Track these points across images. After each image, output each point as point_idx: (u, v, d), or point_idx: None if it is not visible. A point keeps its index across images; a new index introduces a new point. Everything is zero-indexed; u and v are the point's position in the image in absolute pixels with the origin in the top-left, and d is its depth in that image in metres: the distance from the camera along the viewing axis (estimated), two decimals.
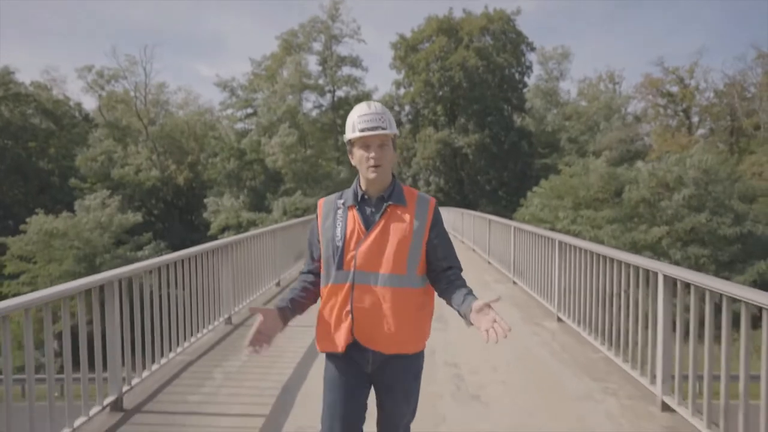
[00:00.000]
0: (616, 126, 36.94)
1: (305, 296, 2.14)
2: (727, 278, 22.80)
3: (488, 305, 1.80)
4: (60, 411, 3.23)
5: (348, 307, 2.00)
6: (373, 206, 2.06)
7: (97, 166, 37.12)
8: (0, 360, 2.74)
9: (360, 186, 2.08)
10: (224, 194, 34.65)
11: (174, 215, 40.74)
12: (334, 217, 2.07)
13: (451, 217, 18.77)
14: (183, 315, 4.79)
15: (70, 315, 3.26)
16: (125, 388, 3.94)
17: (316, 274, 2.14)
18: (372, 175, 2.00)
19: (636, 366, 4.04)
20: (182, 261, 4.84)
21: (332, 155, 39.06)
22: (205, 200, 34.99)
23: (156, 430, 3.56)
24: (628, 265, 4.10)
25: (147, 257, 28.66)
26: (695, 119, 49.24)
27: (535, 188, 27.95)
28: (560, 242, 5.73)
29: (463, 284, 2.08)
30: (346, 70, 41.44)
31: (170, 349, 4.60)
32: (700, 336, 3.23)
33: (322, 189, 35.50)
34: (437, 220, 2.12)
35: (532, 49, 41.78)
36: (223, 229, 33.28)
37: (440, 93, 37.89)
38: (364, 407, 2.13)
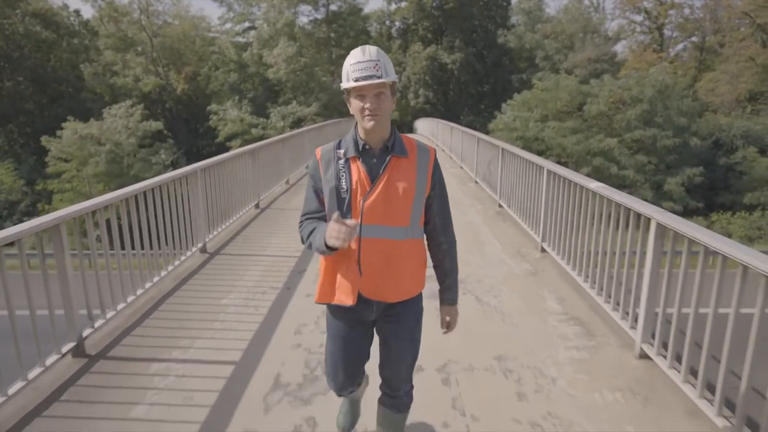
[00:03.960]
0: (588, 45, 38.93)
1: None
2: (663, 180, 26.61)
3: (447, 317, 2.11)
4: (11, 361, 2.75)
5: (357, 262, 1.92)
6: (376, 157, 1.91)
7: (102, 77, 38.56)
8: None
9: (359, 136, 1.93)
10: (227, 105, 36.75)
11: (180, 124, 42.87)
12: (336, 167, 1.92)
13: (440, 131, 19.14)
14: (157, 245, 4.42)
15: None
16: (87, 331, 3.45)
17: (325, 216, 1.99)
18: (369, 125, 1.85)
19: (618, 311, 3.64)
20: (152, 190, 4.38)
21: (327, 68, 40.71)
22: (209, 108, 37.01)
23: (115, 384, 3.06)
24: (619, 206, 3.67)
25: (164, 160, 31.65)
26: (673, 36, 50.89)
27: (509, 101, 30.65)
28: (548, 171, 5.19)
29: (452, 269, 2.10)
30: None
31: (140, 285, 4.14)
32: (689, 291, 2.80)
33: (316, 99, 37.73)
34: (437, 172, 2.02)
35: None
36: (231, 137, 35.93)
37: (430, 10, 39.08)
38: (367, 354, 2.14)
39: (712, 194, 29.75)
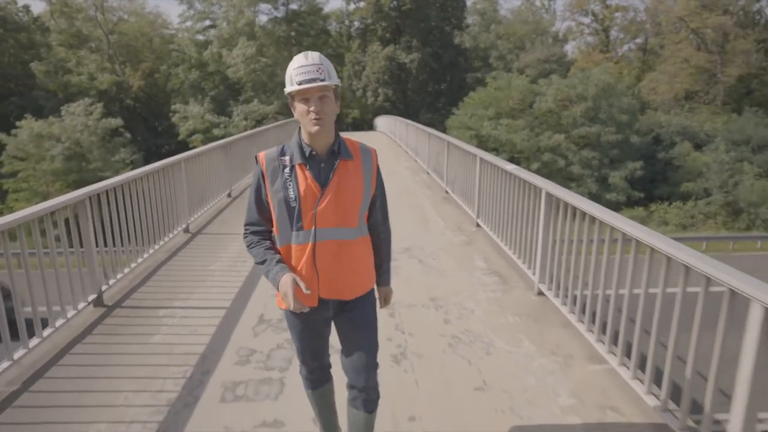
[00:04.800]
0: (538, 46, 40.94)
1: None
2: (607, 174, 28.56)
3: (384, 296, 2.29)
4: (44, 314, 3.40)
5: (313, 266, 1.95)
6: (324, 162, 1.93)
7: (55, 75, 37.87)
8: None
9: (304, 141, 1.94)
10: (189, 102, 36.85)
11: (138, 123, 42.48)
12: (282, 176, 1.93)
13: (397, 127, 19.80)
14: (148, 224, 5.11)
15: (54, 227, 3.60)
16: (104, 286, 4.25)
17: (270, 233, 2.05)
18: (314, 128, 1.86)
19: (523, 260, 4.69)
20: (146, 176, 5.12)
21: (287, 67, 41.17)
22: (173, 107, 37.03)
23: (134, 322, 3.89)
24: (524, 182, 4.58)
25: (124, 159, 31.59)
26: (619, 37, 53.70)
27: (464, 99, 32.06)
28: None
29: (387, 257, 2.26)
30: None
31: (139, 255, 4.91)
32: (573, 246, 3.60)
33: (277, 98, 38.24)
34: (379, 171, 2.09)
35: None
36: (192, 134, 36.04)
37: (388, 11, 40.19)
38: (328, 340, 2.25)
39: (652, 186, 31.97)
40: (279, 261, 1.96)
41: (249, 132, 11.53)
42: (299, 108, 1.89)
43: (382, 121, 27.57)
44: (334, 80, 1.90)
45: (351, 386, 2.16)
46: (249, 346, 3.57)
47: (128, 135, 32.93)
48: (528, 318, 4.00)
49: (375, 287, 2.22)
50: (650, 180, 32.00)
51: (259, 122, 34.39)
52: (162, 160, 5.89)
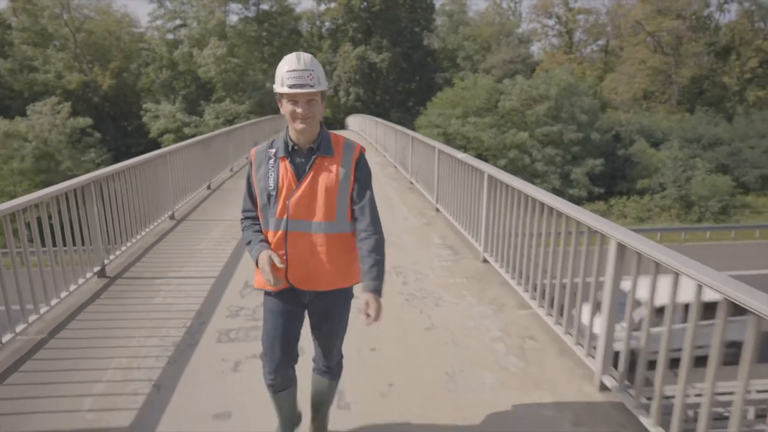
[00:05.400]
0: (504, 47, 42.27)
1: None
2: (570, 170, 29.95)
3: (367, 304, 1.98)
4: (59, 278, 3.94)
5: (282, 253, 2.06)
6: (303, 157, 2.04)
7: (20, 74, 37.28)
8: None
9: (290, 136, 2.06)
10: (160, 102, 36.81)
11: (107, 122, 42.06)
12: (267, 166, 2.07)
13: (368, 126, 20.65)
14: (139, 209, 5.63)
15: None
16: (107, 260, 4.77)
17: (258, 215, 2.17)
18: (300, 127, 1.98)
19: (472, 234, 5.45)
20: (138, 166, 5.67)
21: (259, 67, 41.51)
22: (144, 106, 36.92)
23: (135, 288, 4.45)
24: (472, 167, 5.31)
25: (94, 158, 31.42)
26: (583, 39, 55.64)
27: (433, 99, 32.99)
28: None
29: (373, 263, 2.05)
30: None
31: (135, 233, 5.49)
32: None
33: (249, 98, 38.52)
34: (361, 168, 2.11)
35: None
36: (163, 133, 36.00)
37: (358, 12, 40.88)
38: (300, 331, 2.25)
39: (612, 182, 33.55)
40: (261, 241, 2.11)
41: (226, 129, 12.12)
42: (287, 107, 1.99)
43: (353, 121, 28.22)
44: (323, 86, 2.01)
45: (317, 363, 2.38)
46: (237, 305, 4.23)
47: (98, 135, 32.76)
48: (473, 279, 4.76)
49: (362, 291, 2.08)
50: (611, 176, 33.57)
51: (230, 121, 34.57)
52: (133, 158, 6.10)
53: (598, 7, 67.33)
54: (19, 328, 3.48)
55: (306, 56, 1.99)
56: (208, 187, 9.32)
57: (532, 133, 30.20)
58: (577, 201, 27.59)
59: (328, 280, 2.14)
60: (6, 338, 3.36)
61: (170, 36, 42.25)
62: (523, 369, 3.23)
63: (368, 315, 2.02)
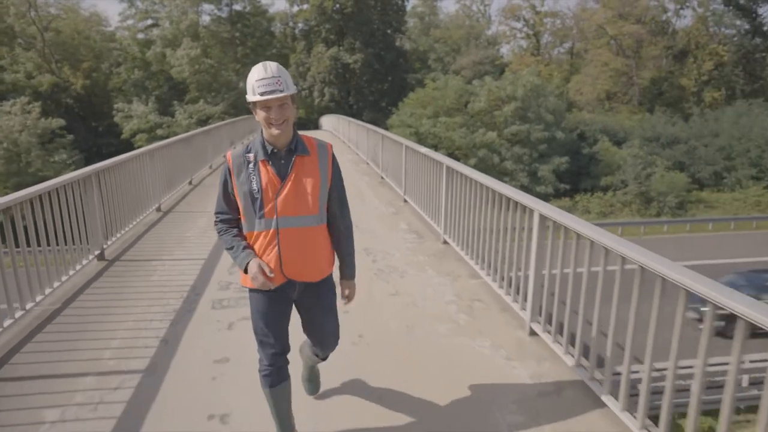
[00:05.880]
0: (473, 49, 43.40)
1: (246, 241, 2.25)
2: (537, 168, 31.03)
3: (346, 290, 2.45)
4: (65, 260, 4.36)
5: (276, 250, 2.17)
6: (283, 158, 2.17)
7: None
8: None
9: (266, 140, 2.18)
10: (132, 102, 36.58)
11: (77, 122, 41.49)
12: (247, 171, 2.17)
13: (341, 125, 21.32)
14: (130, 200, 6.17)
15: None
16: (105, 245, 5.28)
17: (238, 221, 2.28)
18: (276, 132, 2.10)
19: (434, 220, 6.15)
20: (129, 160, 6.21)
21: (233, 67, 41.62)
22: (115, 106, 36.62)
23: (133, 269, 4.97)
24: (433, 160, 6.01)
25: (65, 159, 31.12)
26: (550, 41, 57.29)
27: (405, 99, 33.75)
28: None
29: (349, 250, 2.43)
30: None
31: (128, 222, 5.99)
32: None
33: (223, 99, 38.62)
34: (335, 165, 2.30)
35: None
36: (135, 133, 35.80)
37: (331, 14, 41.39)
38: (288, 327, 2.38)
39: (578, 179, 34.83)
40: (245, 248, 2.22)
41: (206, 128, 12.65)
42: (261, 114, 2.12)
43: (326, 120, 28.74)
44: (291, 89, 2.14)
45: (312, 348, 2.63)
46: (227, 280, 4.81)
47: (71, 136, 32.41)
48: (434, 257, 5.45)
49: (339, 280, 2.45)
50: (576, 173, 34.87)
51: (203, 122, 34.61)
52: (106, 159, 6.12)
53: (565, 10, 69.31)
54: (38, 298, 4.00)
55: (272, 64, 2.14)
56: (190, 183, 9.80)
57: (501, 132, 31.20)
58: (545, 197, 28.67)
59: (319, 268, 2.33)
60: (29, 305, 3.88)
61: (141, 36, 41.92)
62: (470, 322, 3.92)
63: (349, 298, 2.50)
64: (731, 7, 42.21)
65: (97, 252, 5.19)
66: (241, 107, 37.49)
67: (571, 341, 3.20)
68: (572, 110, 40.27)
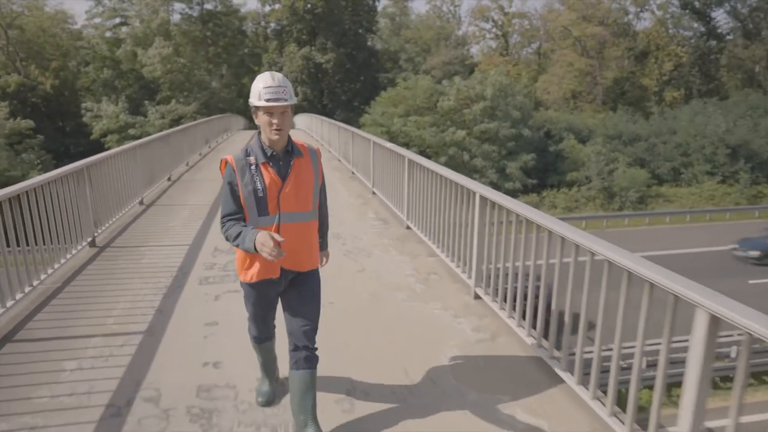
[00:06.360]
0: (443, 50, 44.36)
1: None
2: (506, 165, 32.04)
3: (324, 258, 2.86)
4: (60, 246, 4.78)
5: (277, 243, 2.25)
6: (281, 160, 2.39)
7: None
8: None
9: (265, 144, 2.39)
10: (102, 101, 36.22)
11: (44, 122, 40.78)
12: (250, 173, 2.37)
13: (314, 124, 21.91)
14: (117, 193, 6.62)
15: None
16: (96, 232, 5.75)
17: (242, 218, 2.44)
18: (275, 137, 2.33)
19: (398, 208, 6.80)
20: (114, 156, 6.63)
21: (205, 67, 41.53)
22: (83, 105, 36.19)
23: (124, 254, 5.45)
24: (395, 153, 6.71)
25: (33, 159, 30.75)
26: (518, 41, 58.72)
27: (377, 98, 34.39)
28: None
29: (326, 229, 2.83)
30: None
31: (115, 213, 6.48)
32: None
33: (195, 99, 38.56)
34: (321, 165, 2.59)
35: None
36: (106, 134, 35.49)
37: (302, 14, 41.73)
38: (275, 312, 2.73)
39: (545, 175, 36.05)
40: (252, 228, 2.37)
41: (183, 126, 13.15)
42: (263, 119, 2.34)
43: (300, 120, 29.11)
44: (293, 100, 2.39)
45: (296, 348, 2.54)
46: (211, 261, 5.35)
47: (41, 136, 31.95)
48: (398, 240, 6.09)
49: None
50: (543, 170, 36.10)
51: (176, 122, 34.54)
52: (74, 160, 6.30)
53: (533, 11, 71.07)
54: (42, 277, 4.49)
55: (278, 75, 2.39)
56: (169, 179, 10.23)
57: (471, 130, 32.11)
58: (513, 194, 29.67)
59: (312, 259, 2.60)
60: (35, 282, 4.37)
61: (110, 34, 41.45)
62: (425, 290, 4.57)
63: (322, 264, 2.85)
64: (688, 11, 44.20)
65: (89, 239, 5.66)
66: (213, 107, 37.51)
67: (509, 303, 3.87)
68: (539, 109, 41.55)
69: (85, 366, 3.30)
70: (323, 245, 2.86)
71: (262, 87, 2.34)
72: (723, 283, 6.51)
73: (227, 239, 2.47)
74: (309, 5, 41.55)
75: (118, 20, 40.68)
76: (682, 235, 26.20)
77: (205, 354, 3.46)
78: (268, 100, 2.31)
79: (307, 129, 23.52)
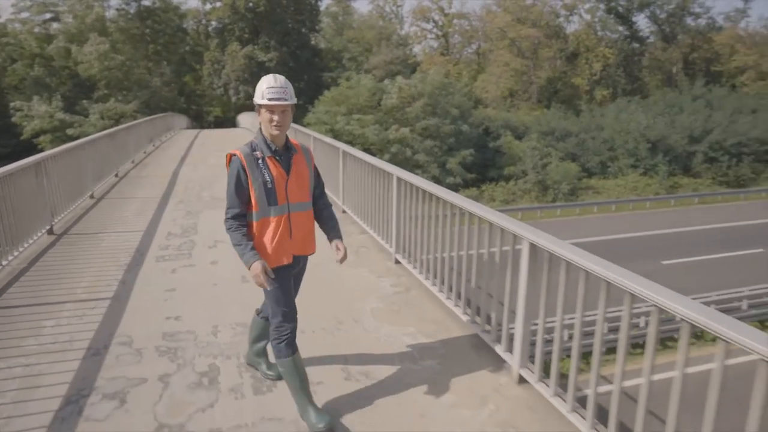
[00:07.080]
0: (384, 49, 45.44)
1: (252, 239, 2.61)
2: (446, 160, 33.30)
3: (338, 248, 2.83)
4: (16, 236, 5.08)
5: (288, 230, 2.61)
6: (283, 155, 2.62)
7: None
8: None
9: (267, 140, 2.60)
10: (33, 100, 34.82)
11: None
12: (258, 166, 2.57)
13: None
14: (68, 186, 6.95)
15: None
16: (54, 220, 6.23)
17: (244, 215, 2.61)
18: (276, 133, 2.55)
19: (335, 194, 7.42)
20: (66, 152, 7.50)
21: (144, 65, 40.62)
22: (12, 104, 34.68)
23: (83, 240, 5.91)
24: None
25: None
26: (459, 42, 60.62)
27: (320, 97, 34.96)
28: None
29: (331, 215, 2.96)
30: None
31: (68, 205, 6.87)
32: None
33: (135, 97, 37.67)
34: (314, 160, 2.85)
35: None
36: (38, 134, 34.14)
37: (244, 12, 41.60)
38: None
39: (485, 170, 37.74)
40: (252, 248, 2.57)
41: (128, 124, 13.47)
42: (265, 116, 2.57)
43: (244, 118, 29.33)
44: (293, 100, 2.61)
45: (288, 327, 2.72)
46: (165, 243, 5.97)
47: None
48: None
49: (334, 241, 2.88)
50: (483, 165, 37.81)
51: (116, 121, 33.73)
52: (2, 161, 6.81)
53: (472, 13, 73.51)
54: (10, 258, 5.00)
55: (280, 77, 2.62)
56: (116, 176, 10.58)
57: (414, 128, 33.25)
58: (454, 188, 31.06)
59: (313, 245, 2.85)
60: (5, 262, 4.88)
61: (39, 30, 39.78)
62: (355, 260, 5.41)
63: (344, 255, 2.84)
64: (612, 15, 47.35)
65: (47, 227, 6.13)
66: (155, 106, 36.82)
67: (425, 266, 4.77)
68: (479, 107, 43.35)
69: (62, 323, 3.91)
70: (338, 234, 2.95)
71: (266, 87, 2.59)
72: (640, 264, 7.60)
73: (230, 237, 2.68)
74: (250, 4, 41.46)
75: (48, 15, 39.11)
76: (608, 223, 28.42)
77: (166, 311, 4.15)
78: (270, 99, 2.55)
79: (252, 127, 23.85)
